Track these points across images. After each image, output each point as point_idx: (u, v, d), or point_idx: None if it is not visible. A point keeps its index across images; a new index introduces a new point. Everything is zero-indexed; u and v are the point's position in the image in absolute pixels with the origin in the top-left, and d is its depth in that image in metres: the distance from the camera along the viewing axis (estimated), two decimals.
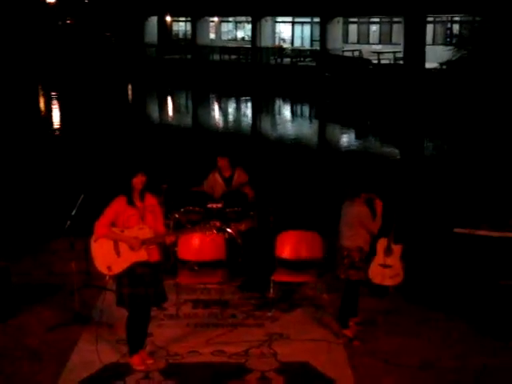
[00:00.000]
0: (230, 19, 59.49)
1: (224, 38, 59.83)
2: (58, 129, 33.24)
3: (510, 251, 9.94)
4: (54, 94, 45.84)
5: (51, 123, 34.90)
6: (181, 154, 22.32)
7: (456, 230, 10.41)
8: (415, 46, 42.26)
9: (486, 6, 34.12)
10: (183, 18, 61.75)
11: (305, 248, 10.34)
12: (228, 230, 11.00)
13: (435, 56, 39.42)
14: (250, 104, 44.01)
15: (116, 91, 46.72)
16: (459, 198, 15.24)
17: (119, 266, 8.20)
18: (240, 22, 58.61)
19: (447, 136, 29.09)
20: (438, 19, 44.89)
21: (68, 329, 9.43)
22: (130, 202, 8.17)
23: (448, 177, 19.77)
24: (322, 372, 8.35)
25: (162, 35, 61.23)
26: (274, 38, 54.13)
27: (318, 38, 50.48)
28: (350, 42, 50.28)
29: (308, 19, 52.92)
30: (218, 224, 10.69)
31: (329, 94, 39.88)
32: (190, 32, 59.36)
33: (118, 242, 8.15)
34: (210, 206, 11.28)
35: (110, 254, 8.19)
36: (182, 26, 63.03)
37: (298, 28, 54.59)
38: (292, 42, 54.39)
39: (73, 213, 10.02)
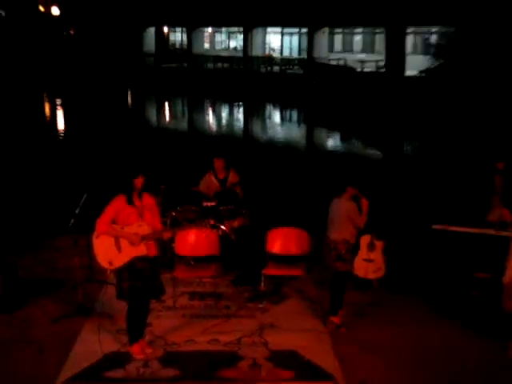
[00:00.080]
0: (223, 30, 59.47)
1: (218, 47, 59.76)
2: (62, 133, 33.18)
3: (483, 246, 9.96)
4: (58, 100, 45.74)
5: (56, 127, 34.85)
6: (177, 156, 22.28)
7: (434, 226, 10.43)
8: (396, 55, 42.40)
9: (461, 19, 34.38)
10: (179, 29, 61.65)
11: (294, 244, 10.35)
12: (222, 227, 11.03)
13: (415, 64, 39.61)
14: (242, 109, 44.01)
15: (116, 97, 46.66)
16: (437, 195, 15.26)
17: (120, 260, 8.21)
18: (232, 33, 58.57)
19: (425, 138, 29.21)
20: (417, 30, 44.95)
21: (71, 320, 9.41)
22: (130, 201, 8.19)
23: (426, 176, 19.81)
24: (310, 359, 8.37)
25: (159, 45, 61.23)
26: (264, 47, 54.15)
27: (305, 48, 50.54)
28: (335, 51, 50.29)
29: (296, 30, 52.94)
30: (212, 221, 10.74)
31: (315, 100, 39.88)
32: (185, 42, 59.32)
33: (119, 238, 8.17)
34: (204, 204, 11.29)
35: (111, 250, 8.20)
36: (178, 37, 62.92)
37: (286, 38, 54.60)
38: (281, 52, 54.36)
39: (76, 211, 10.00)
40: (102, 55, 55.90)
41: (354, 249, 9.52)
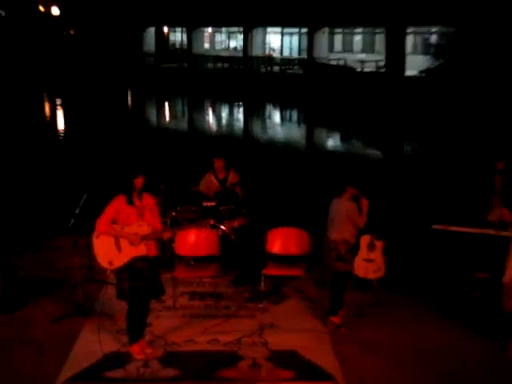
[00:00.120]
0: (223, 30, 59.50)
1: (218, 47, 59.78)
2: (62, 133, 33.20)
3: (483, 246, 9.98)
4: (58, 100, 45.75)
5: (56, 127, 34.86)
6: (177, 157, 22.29)
7: (434, 226, 10.44)
8: (396, 55, 42.40)
9: (461, 19, 34.39)
10: (179, 29, 61.68)
11: (293, 244, 10.35)
12: (221, 227, 11.04)
13: (415, 64, 39.62)
14: (242, 109, 44.03)
15: (116, 97, 46.68)
16: (437, 195, 15.26)
17: (120, 260, 8.22)
18: (232, 33, 58.59)
19: (425, 138, 29.22)
20: (417, 30, 44.97)
21: (71, 320, 9.42)
22: (130, 201, 8.20)
23: (426, 176, 19.81)
24: (310, 359, 8.37)
25: (159, 45, 61.26)
26: (264, 47, 54.17)
27: (305, 48, 50.56)
28: (335, 51, 50.31)
29: (296, 30, 52.96)
30: (212, 221, 10.75)
31: (315, 100, 39.90)
32: (185, 42, 59.34)
33: (119, 238, 8.17)
34: (204, 204, 11.30)
35: (111, 250, 8.20)
36: (178, 37, 62.96)
37: (286, 38, 54.62)
38: (281, 52, 54.38)
39: (76, 211, 10.01)
40: (102, 55, 55.93)
41: (354, 249, 9.54)
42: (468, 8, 33.43)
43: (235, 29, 56.79)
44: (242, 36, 53.92)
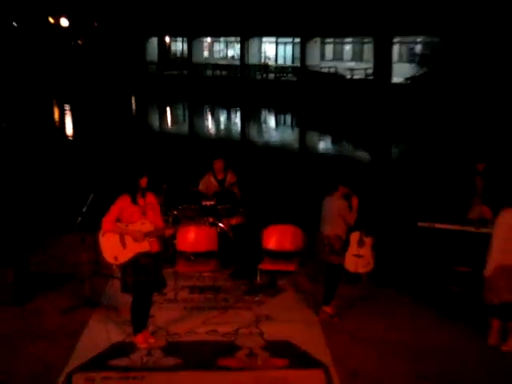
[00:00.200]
0: (222, 39, 59.44)
1: (216, 56, 59.75)
2: (70, 136, 33.18)
3: (464, 242, 9.99)
4: (66, 105, 45.70)
5: (64, 131, 34.84)
6: (178, 158, 22.28)
7: (419, 223, 10.45)
8: (383, 63, 42.42)
9: (444, 29, 34.44)
10: (180, 39, 61.62)
11: (288, 240, 10.35)
12: (220, 224, 11.02)
13: (401, 72, 39.65)
14: (239, 114, 43.99)
15: (121, 103, 46.67)
16: (422, 195, 15.26)
17: (125, 256, 8.23)
18: (230, 42, 58.54)
19: (411, 141, 29.24)
20: (403, 40, 44.96)
21: (79, 312, 9.41)
22: (134, 200, 8.21)
23: (412, 177, 19.82)
24: (303, 349, 8.37)
25: (161, 54, 61.24)
26: (260, 56, 54.16)
27: (298, 56, 50.55)
28: (326, 59, 50.26)
29: (290, 39, 52.93)
30: (211, 219, 10.75)
31: (308, 105, 39.90)
32: (186, 51, 59.29)
33: (124, 235, 8.18)
34: (204, 203, 11.29)
35: (116, 246, 8.22)
36: (179, 46, 62.88)
37: (281, 47, 54.59)
38: (276, 60, 54.35)
39: (83, 210, 10.00)
40: (107, 64, 55.90)
41: (345, 245, 9.54)
42: (451, 19, 33.46)
43: (233, 38, 56.73)
44: (239, 45, 53.87)
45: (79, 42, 65.05)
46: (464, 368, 7.97)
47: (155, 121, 41.95)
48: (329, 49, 51.16)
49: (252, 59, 52.77)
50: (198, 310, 9.60)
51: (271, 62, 53.43)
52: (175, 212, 11.40)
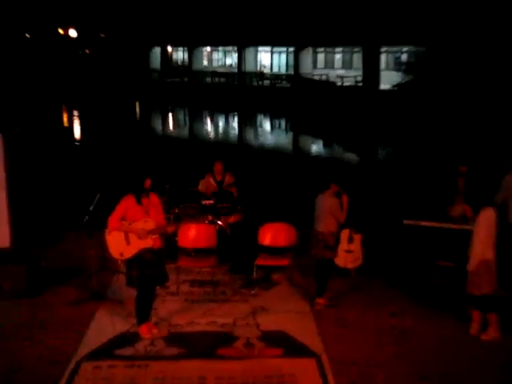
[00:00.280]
0: (220, 49, 59.36)
1: (215, 64, 59.65)
2: (78, 139, 33.15)
3: (446, 238, 10.01)
4: (75, 111, 45.68)
5: (73, 135, 34.81)
6: (180, 160, 22.27)
7: (405, 221, 10.46)
8: (371, 71, 42.43)
9: (429, 40, 34.49)
10: (181, 48, 61.56)
11: (282, 237, 10.35)
12: (219, 222, 11.03)
13: (388, 79, 39.67)
14: (236, 118, 43.97)
15: (126, 109, 46.64)
16: (408, 194, 15.27)
17: (129, 252, 8.24)
18: (228, 51, 58.44)
19: (398, 144, 29.27)
20: (389, 50, 44.95)
21: (87, 304, 9.41)
22: (138, 200, 8.22)
23: (398, 177, 19.83)
24: (296, 338, 8.39)
25: (164, 62, 61.23)
26: (256, 64, 54.09)
27: (292, 65, 50.54)
28: (318, 67, 50.22)
29: (284, 49, 52.89)
30: (210, 217, 10.79)
31: (301, 111, 39.89)
32: (187, 59, 59.23)
33: (128, 232, 8.18)
34: (203, 202, 11.29)
35: (121, 243, 8.23)
36: (180, 55, 62.77)
37: (276, 56, 54.53)
38: (271, 68, 54.29)
39: (91, 209, 9.99)
40: (113, 71, 55.87)
41: (336, 241, 9.56)
42: (434, 30, 33.49)
43: (230, 48, 56.67)
44: (237, 54, 53.84)
45: (87, 51, 65.06)
46: (446, 353, 8.02)
47: (158, 125, 41.93)
48: (320, 57, 51.11)
49: (249, 67, 52.74)
50: (198, 303, 9.60)
51: (267, 70, 53.36)
52: (176, 210, 11.40)
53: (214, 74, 53.87)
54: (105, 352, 8.00)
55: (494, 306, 8.41)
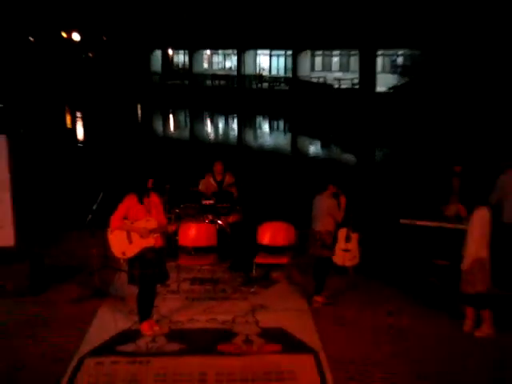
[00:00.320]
0: (220, 52, 59.36)
1: (215, 67, 59.65)
2: (81, 140, 33.13)
3: (441, 237, 10.00)
4: (78, 113, 45.67)
5: (76, 136, 34.79)
6: (180, 161, 22.26)
7: (401, 220, 10.46)
8: (368, 73, 42.44)
9: (424, 43, 34.50)
10: (182, 51, 61.55)
11: (281, 236, 10.35)
12: (219, 221, 11.02)
13: (384, 82, 39.67)
14: (236, 120, 43.97)
15: (128, 110, 46.64)
16: (404, 194, 15.27)
17: (131, 251, 8.24)
18: (228, 54, 58.46)
19: (394, 145, 29.27)
20: (385, 53, 44.96)
21: (89, 302, 9.41)
22: (140, 200, 8.22)
23: (395, 177, 19.83)
24: (295, 335, 8.38)
25: (165, 65, 61.22)
26: (255, 67, 54.09)
27: (290, 67, 50.54)
28: (316, 70, 50.24)
29: (282, 52, 52.89)
30: (210, 217, 10.78)
31: (299, 112, 39.89)
32: (187, 62, 59.22)
33: (130, 231, 8.18)
34: (203, 202, 11.28)
35: (123, 242, 8.23)
36: (181, 58, 62.74)
37: (274, 59, 54.54)
38: (270, 71, 54.28)
39: (93, 208, 9.98)
40: (115, 74, 55.88)
41: (333, 240, 9.56)
42: (429, 34, 33.51)
43: (230, 51, 56.69)
44: (236, 57, 53.85)
45: (90, 54, 65.05)
46: (442, 351, 8.00)
47: (159, 126, 41.92)
48: (318, 60, 51.13)
49: (248, 70, 52.74)
50: (198, 300, 9.59)
51: (265, 73, 53.35)
52: (177, 210, 11.40)
53: (214, 76, 53.86)
54: (107, 348, 7.99)
55: (488, 303, 8.41)
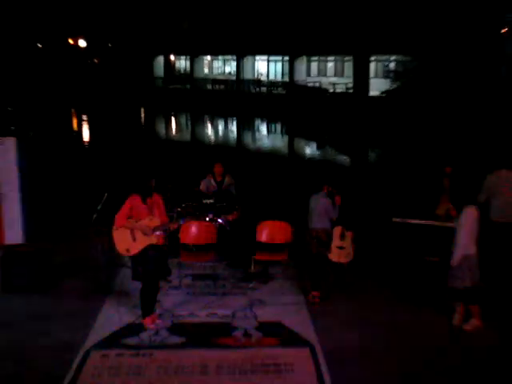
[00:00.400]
0: (220, 57, 59.32)
1: (215, 72, 59.62)
2: (87, 142, 33.11)
3: (433, 235, 10.00)
4: (84, 116, 45.64)
5: (82, 138, 34.77)
6: (182, 162, 22.25)
7: (393, 219, 10.46)
8: (361, 78, 42.47)
9: (414, 50, 34.55)
10: (183, 57, 61.52)
11: (278, 234, 10.32)
12: (219, 220, 11.00)
13: (377, 86, 39.70)
14: (235, 123, 43.94)
15: (131, 113, 46.62)
16: (396, 193, 15.27)
17: (135, 248, 8.25)
18: (227, 60, 58.44)
19: (387, 146, 29.28)
20: (378, 58, 44.98)
21: (95, 297, 9.40)
22: (144, 200, 8.23)
23: (387, 178, 19.83)
24: (292, 329, 8.40)
25: (167, 70, 61.14)
26: (253, 72, 54.09)
27: (287, 72, 50.54)
28: (311, 75, 50.23)
29: (280, 58, 52.86)
30: (210, 216, 10.76)
31: (296, 115, 39.89)
32: (188, 67, 59.23)
33: (134, 230, 8.18)
34: (204, 201, 11.27)
35: (128, 240, 8.23)
36: (182, 63, 62.70)
37: (272, 64, 54.50)
38: (267, 75, 54.26)
39: (99, 207, 9.98)
40: (120, 79, 55.88)
41: (329, 238, 9.58)
42: (420, 41, 33.55)
43: (229, 57, 56.67)
44: (235, 63, 53.85)
45: (95, 60, 65.03)
46: (430, 343, 8.07)
47: (161, 129, 41.87)
48: (314, 66, 51.12)
49: (246, 75, 52.76)
50: (199, 296, 9.59)
51: (263, 78, 53.33)
52: (179, 209, 11.39)
53: (214, 81, 53.87)
54: (112, 341, 8.01)
55: (476, 298, 8.43)
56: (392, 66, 43.99)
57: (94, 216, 9.94)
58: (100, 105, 49.41)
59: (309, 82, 47.68)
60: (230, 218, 11.28)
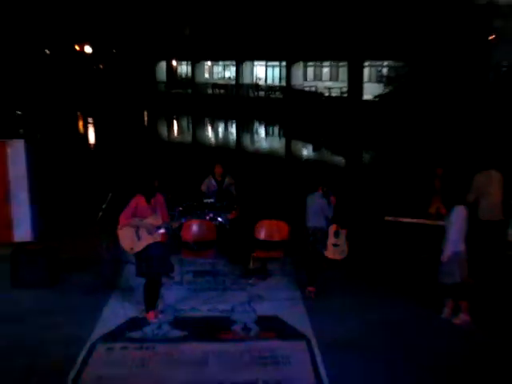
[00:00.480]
0: (220, 63, 59.30)
1: (215, 77, 59.58)
2: (92, 144, 33.10)
3: (425, 233, 10.02)
4: (90, 119, 45.62)
5: (88, 140, 34.76)
6: (184, 163, 22.24)
7: (386, 217, 10.47)
8: (356, 83, 42.48)
9: (407, 56, 34.59)
10: (185, 62, 61.50)
11: (276, 232, 10.36)
12: (219, 218, 11.03)
13: (370, 91, 39.70)
14: (234, 125, 43.93)
15: (135, 117, 46.60)
16: (388, 193, 15.28)
17: (139, 245, 8.27)
18: (227, 65, 58.41)
19: (380, 148, 29.29)
20: (371, 64, 44.97)
21: (100, 292, 9.39)
22: (147, 199, 8.24)
23: (380, 178, 19.84)
24: (288, 322, 8.42)
25: (169, 75, 61.14)
26: (252, 77, 54.07)
27: (284, 77, 50.52)
28: (308, 79, 50.22)
29: (277, 63, 52.84)
30: (211, 214, 10.77)
31: (293, 118, 39.88)
32: (190, 72, 59.22)
33: (138, 228, 8.19)
34: (205, 201, 11.28)
35: (132, 238, 8.24)
36: (184, 68, 62.66)
37: (270, 69, 54.47)
38: (266, 80, 54.26)
39: (103, 206, 9.98)
40: (124, 84, 55.86)
41: (325, 235, 9.58)
42: (411, 48, 33.57)
43: (229, 62, 56.66)
44: (235, 68, 53.85)
45: (100, 65, 65.01)
46: (423, 337, 8.08)
47: (164, 131, 41.86)
48: (310, 71, 51.08)
49: (245, 79, 52.75)
50: (200, 291, 9.60)
51: (262, 82, 53.33)
52: (181, 208, 11.39)
53: (215, 85, 53.86)
54: (117, 335, 8.02)
55: (465, 293, 8.44)
56: (385, 71, 44.00)
57: (100, 215, 9.94)
58: (105, 108, 49.39)
59: (305, 87, 47.68)
60: (230, 216, 11.30)
